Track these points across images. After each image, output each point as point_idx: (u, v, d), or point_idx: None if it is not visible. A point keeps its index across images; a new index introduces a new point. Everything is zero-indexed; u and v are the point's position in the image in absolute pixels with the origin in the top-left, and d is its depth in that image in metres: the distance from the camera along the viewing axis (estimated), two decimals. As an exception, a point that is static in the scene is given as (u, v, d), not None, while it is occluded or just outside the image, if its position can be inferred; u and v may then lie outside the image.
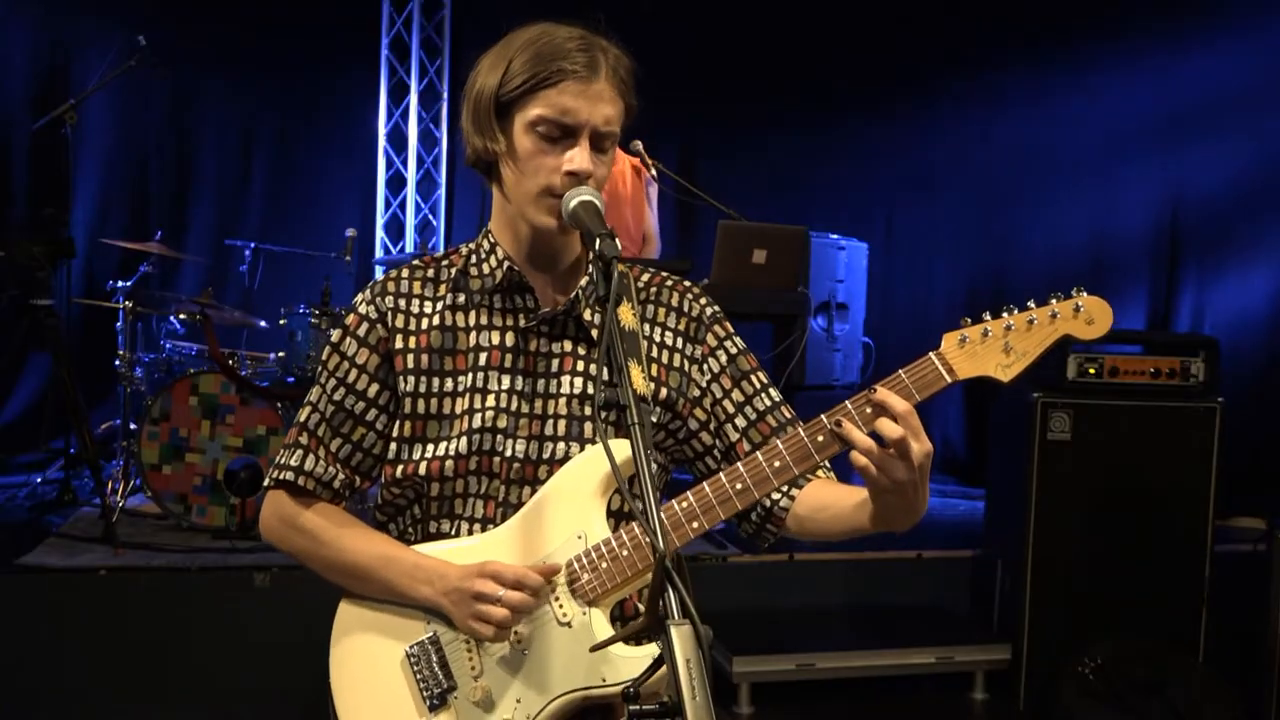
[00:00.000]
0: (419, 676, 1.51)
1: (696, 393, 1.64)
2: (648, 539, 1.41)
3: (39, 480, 4.96)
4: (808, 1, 6.73)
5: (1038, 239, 6.39)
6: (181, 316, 4.86)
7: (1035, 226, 6.43)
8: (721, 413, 1.64)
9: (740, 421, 1.64)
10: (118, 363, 4.74)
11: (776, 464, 1.43)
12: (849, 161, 6.93)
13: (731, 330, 1.69)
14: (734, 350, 1.67)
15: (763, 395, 1.65)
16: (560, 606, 1.46)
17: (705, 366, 1.65)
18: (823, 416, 1.44)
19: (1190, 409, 3.90)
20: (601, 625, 1.45)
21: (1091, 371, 3.86)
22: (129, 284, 4.85)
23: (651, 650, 1.36)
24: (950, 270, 6.80)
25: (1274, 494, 4.87)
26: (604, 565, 1.46)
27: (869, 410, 1.40)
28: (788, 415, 1.65)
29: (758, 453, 1.46)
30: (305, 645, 3.53)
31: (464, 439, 1.54)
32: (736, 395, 1.64)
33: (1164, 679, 3.63)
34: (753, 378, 1.66)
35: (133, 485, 4.56)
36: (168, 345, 4.82)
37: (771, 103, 6.72)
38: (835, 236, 5.59)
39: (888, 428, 1.36)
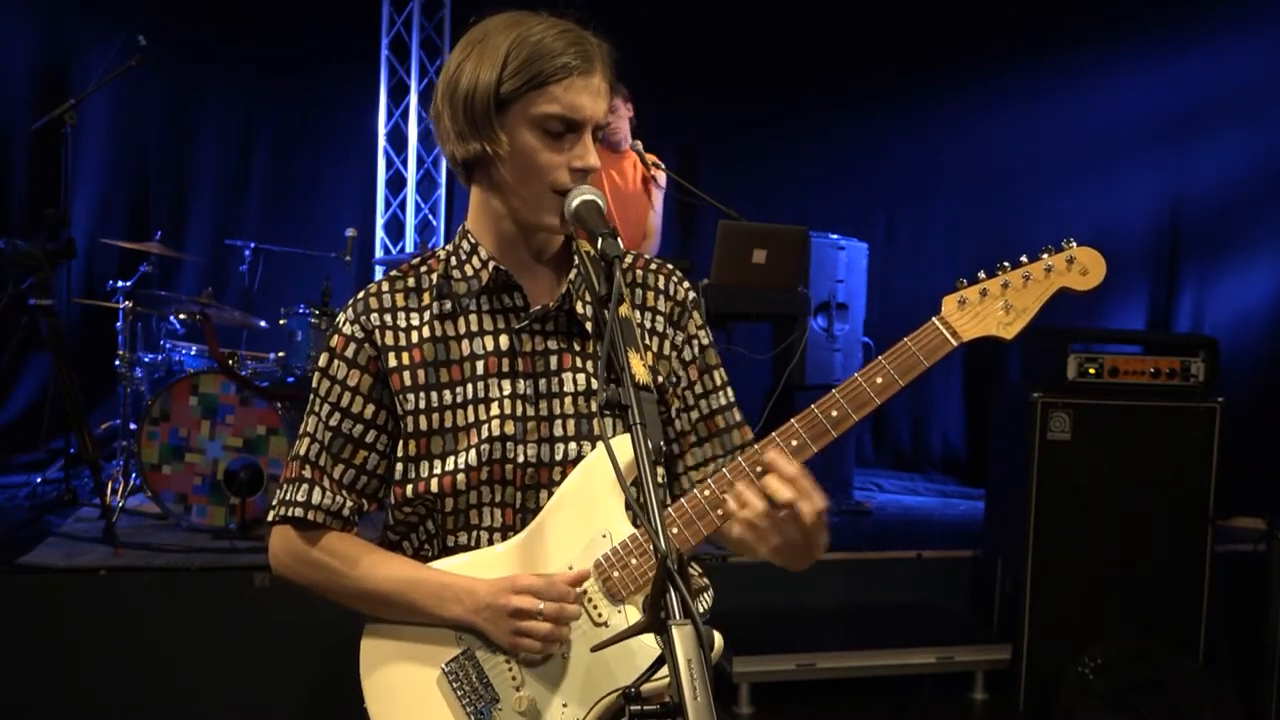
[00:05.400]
0: (460, 693, 1.49)
1: (675, 379, 1.64)
2: (671, 532, 1.42)
3: (39, 480, 4.96)
4: (807, 2, 6.73)
5: (1038, 239, 6.30)
6: (181, 316, 4.86)
7: (1035, 226, 6.43)
8: (679, 400, 1.64)
9: (694, 414, 1.65)
10: (118, 363, 4.74)
11: (795, 442, 1.44)
12: (849, 161, 6.93)
13: (704, 319, 1.70)
14: (704, 341, 1.67)
15: (720, 393, 1.66)
16: (595, 607, 1.46)
17: (682, 353, 1.65)
18: (816, 406, 1.44)
19: (1190, 409, 3.90)
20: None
21: (1091, 371, 3.86)
22: (129, 284, 4.85)
23: None
24: (950, 270, 6.73)
25: (1274, 494, 4.87)
26: (633, 561, 1.45)
27: (759, 470, 1.40)
28: (736, 419, 1.67)
29: (799, 427, 1.45)
30: (305, 645, 3.55)
31: (473, 451, 1.52)
32: (697, 388, 1.65)
33: (1164, 679, 3.63)
34: (715, 374, 1.67)
35: (133, 485, 4.56)
36: (168, 345, 4.82)
37: (771, 103, 6.72)
38: (835, 236, 5.59)
39: (778, 489, 1.35)
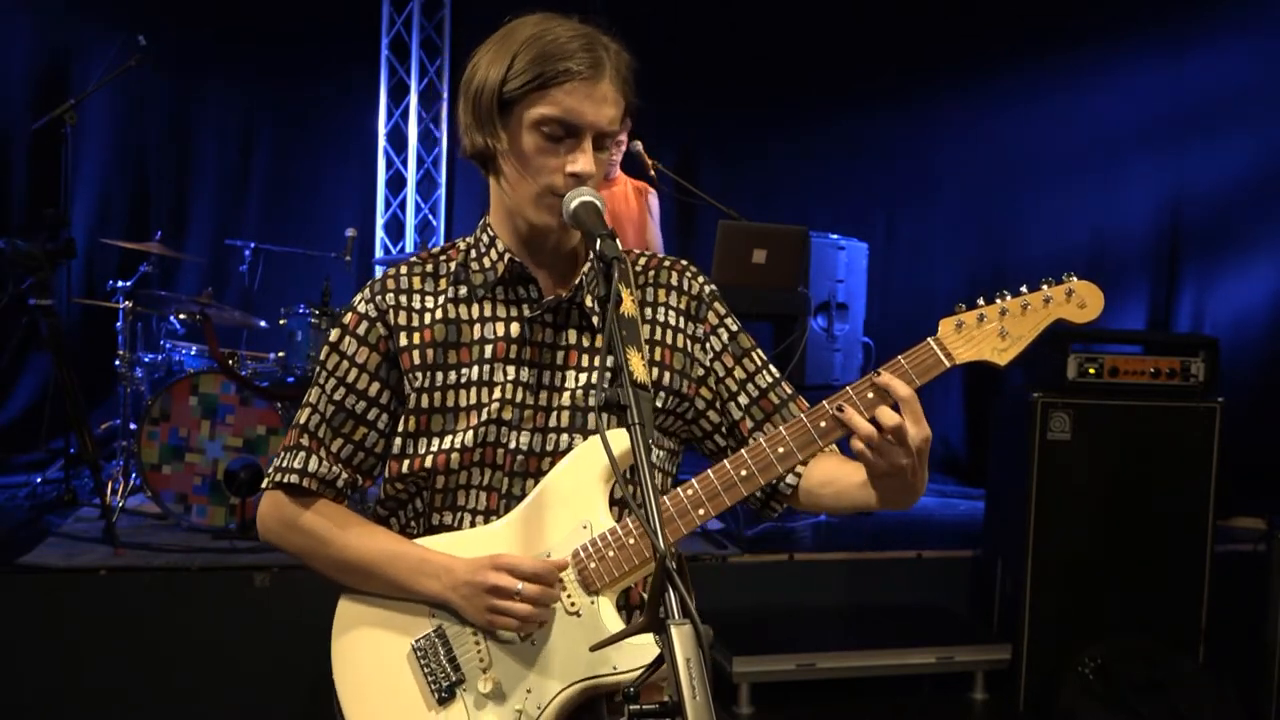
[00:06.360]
0: (426, 670, 1.51)
1: (700, 372, 1.65)
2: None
3: (39, 480, 4.96)
4: (807, 2, 6.73)
5: (1038, 239, 6.40)
6: (181, 316, 4.86)
7: (1035, 226, 6.43)
8: (724, 391, 1.66)
9: (743, 399, 1.66)
10: (118, 363, 4.74)
11: (780, 450, 1.47)
12: (849, 161, 6.93)
13: (729, 308, 1.71)
14: (734, 328, 1.69)
15: (764, 372, 1.68)
16: (568, 596, 1.47)
17: (707, 345, 1.66)
18: (825, 402, 1.48)
19: (1190, 409, 3.90)
20: (609, 613, 1.46)
21: (1091, 371, 3.86)
22: (129, 284, 4.85)
23: None
24: (950, 270, 6.80)
25: (1274, 494, 4.87)
26: (610, 554, 1.46)
27: (871, 395, 1.45)
28: (788, 392, 1.68)
29: (761, 438, 1.49)
30: (305, 645, 3.54)
31: (470, 432, 1.54)
32: (738, 373, 1.66)
33: (1164, 679, 3.63)
34: (753, 355, 1.68)
35: (133, 485, 4.56)
36: (168, 345, 4.82)
37: (771, 103, 6.72)
38: (835, 236, 5.59)
39: (886, 415, 1.40)
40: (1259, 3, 5.77)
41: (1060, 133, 6.36)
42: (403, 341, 1.57)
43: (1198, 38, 5.90)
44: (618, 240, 1.40)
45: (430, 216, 7.13)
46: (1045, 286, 1.50)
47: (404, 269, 1.62)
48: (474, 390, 1.55)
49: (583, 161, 1.47)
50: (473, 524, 1.56)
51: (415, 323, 1.58)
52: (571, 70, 1.45)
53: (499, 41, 1.51)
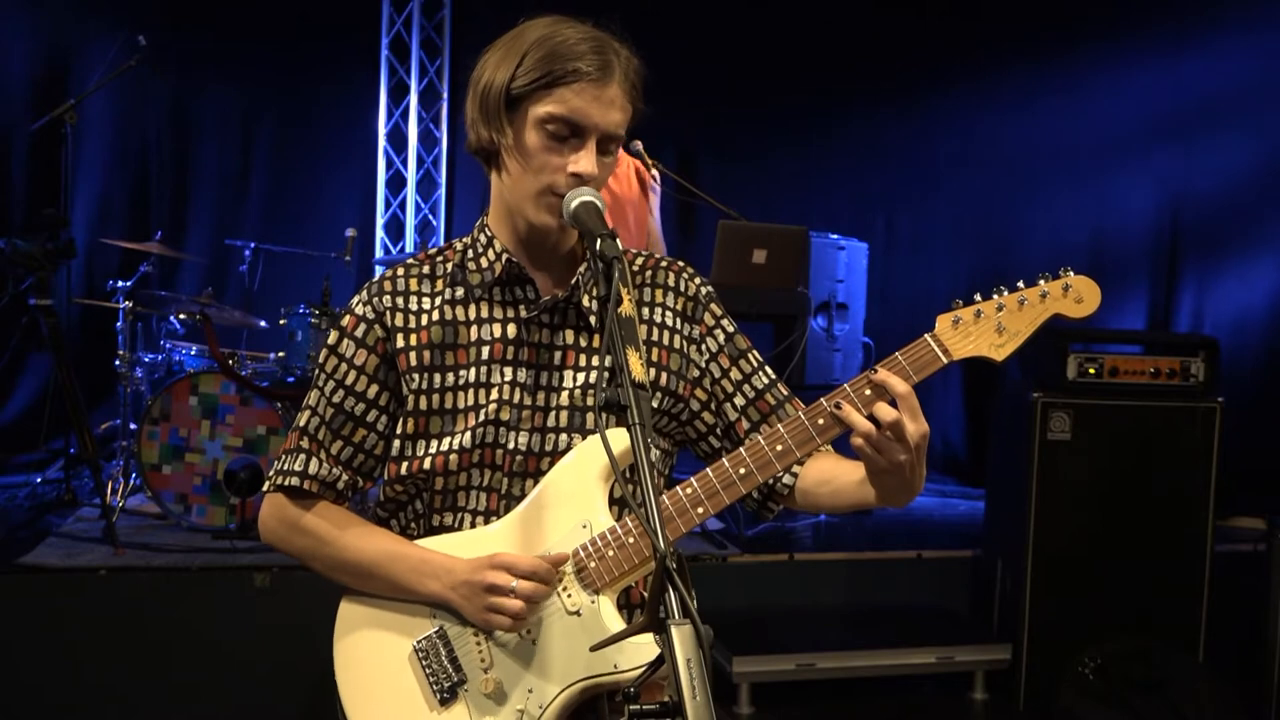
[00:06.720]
0: (428, 671, 1.52)
1: (696, 373, 1.65)
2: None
3: (39, 480, 4.97)
4: (808, 2, 6.74)
5: (1038, 239, 6.40)
6: (181, 316, 4.86)
7: (1035, 226, 6.43)
8: (720, 392, 1.66)
9: (739, 400, 1.66)
10: (118, 363, 4.74)
11: (779, 447, 1.47)
12: (849, 161, 6.93)
13: (725, 310, 1.71)
14: (730, 329, 1.69)
15: (760, 373, 1.68)
16: (568, 595, 1.47)
17: (703, 346, 1.66)
18: (823, 400, 1.48)
19: (1190, 409, 3.90)
20: (610, 613, 1.46)
21: (1091, 371, 3.86)
22: (129, 284, 4.85)
23: None
24: (950, 270, 6.80)
25: (1274, 494, 4.87)
26: (610, 553, 1.47)
27: (869, 392, 1.45)
28: (784, 393, 1.68)
29: (759, 436, 1.49)
30: (305, 645, 3.55)
31: (468, 433, 1.54)
32: (734, 374, 1.66)
33: (1164, 679, 3.63)
34: (749, 356, 1.68)
35: (133, 485, 4.56)
36: (168, 345, 4.82)
37: (771, 103, 6.73)
38: (835, 236, 5.60)
39: (884, 411, 1.41)
40: (1259, 3, 5.77)
41: (1060, 133, 6.36)
42: (400, 343, 1.57)
43: (1198, 37, 5.90)
44: (618, 240, 1.40)
45: (430, 216, 7.13)
46: (1042, 282, 1.50)
47: (401, 271, 1.63)
48: (472, 391, 1.55)
49: (585, 162, 1.47)
50: (473, 525, 1.56)
51: (412, 324, 1.58)
52: (580, 71, 1.45)
53: (509, 41, 1.52)
